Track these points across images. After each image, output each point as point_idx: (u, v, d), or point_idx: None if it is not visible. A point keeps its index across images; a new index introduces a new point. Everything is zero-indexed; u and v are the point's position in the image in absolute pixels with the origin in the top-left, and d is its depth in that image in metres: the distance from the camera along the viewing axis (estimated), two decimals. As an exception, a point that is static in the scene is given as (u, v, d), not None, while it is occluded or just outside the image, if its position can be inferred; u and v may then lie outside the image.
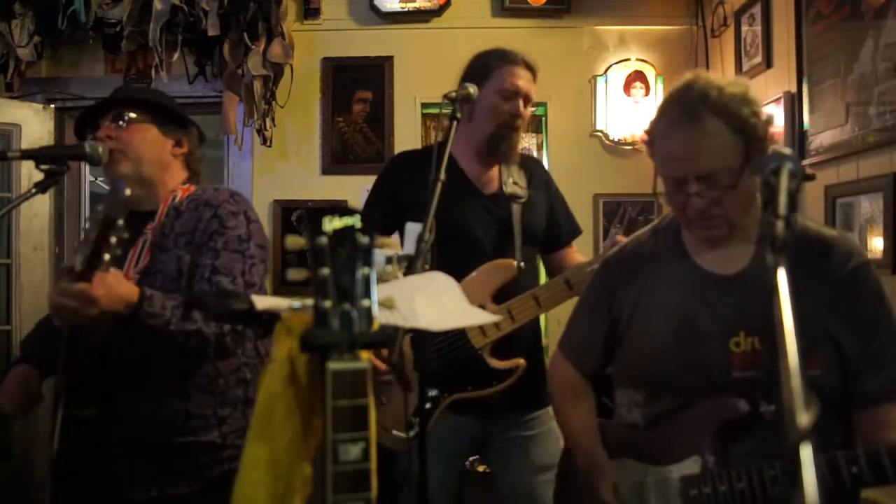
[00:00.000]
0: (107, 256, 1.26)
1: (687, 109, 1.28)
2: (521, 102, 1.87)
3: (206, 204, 1.62)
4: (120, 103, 1.65)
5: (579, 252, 2.05)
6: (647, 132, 1.38)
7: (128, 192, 1.29)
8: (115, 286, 1.34)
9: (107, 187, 8.11)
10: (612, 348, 1.52)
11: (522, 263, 1.84)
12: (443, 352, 1.78)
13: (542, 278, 2.15)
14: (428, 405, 1.78)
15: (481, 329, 1.78)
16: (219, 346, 1.54)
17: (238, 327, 1.56)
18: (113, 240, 1.24)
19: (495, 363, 1.80)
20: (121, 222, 1.24)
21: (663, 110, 1.34)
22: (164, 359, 1.53)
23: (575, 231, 2.07)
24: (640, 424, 1.43)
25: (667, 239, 1.48)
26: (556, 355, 1.65)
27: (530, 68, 1.92)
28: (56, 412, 1.48)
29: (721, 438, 1.28)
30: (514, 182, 1.94)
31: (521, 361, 1.80)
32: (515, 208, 1.92)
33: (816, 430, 1.14)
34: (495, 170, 1.97)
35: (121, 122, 1.62)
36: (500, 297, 1.82)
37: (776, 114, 2.78)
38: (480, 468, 2.93)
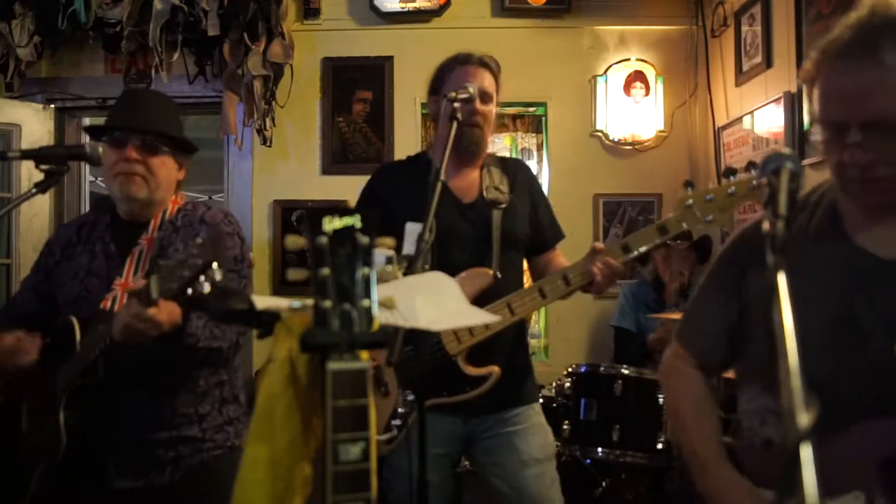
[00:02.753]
0: (190, 291, 1.35)
1: (863, 37, 1.03)
2: (477, 101, 1.88)
3: (202, 222, 1.74)
4: (151, 131, 1.71)
5: (563, 257, 2.04)
6: (812, 62, 1.11)
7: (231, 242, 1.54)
8: (173, 311, 1.48)
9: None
10: (739, 341, 1.27)
11: (499, 273, 1.83)
12: (414, 358, 1.77)
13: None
14: (402, 409, 1.79)
15: (455, 335, 1.78)
16: (227, 357, 1.70)
17: (242, 341, 1.69)
18: (202, 279, 1.33)
19: (470, 370, 1.80)
20: (215, 266, 1.32)
21: (832, 39, 1.08)
22: (161, 364, 1.62)
23: (559, 236, 2.06)
24: (777, 443, 1.17)
25: (819, 214, 1.20)
26: (673, 350, 1.39)
27: (486, 65, 1.93)
28: (58, 408, 1.59)
29: (893, 471, 1.04)
30: (495, 188, 1.94)
31: (496, 369, 1.79)
32: (496, 214, 1.91)
33: None
34: (475, 175, 1.97)
35: (151, 151, 1.69)
36: (478, 305, 1.81)
37: (776, 114, 2.79)
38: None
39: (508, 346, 1.91)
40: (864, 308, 1.09)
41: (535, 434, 1.91)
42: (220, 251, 1.32)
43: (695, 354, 1.34)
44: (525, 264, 2.07)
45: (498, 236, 1.89)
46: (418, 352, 1.59)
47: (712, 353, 1.32)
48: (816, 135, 1.17)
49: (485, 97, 1.90)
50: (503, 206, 1.93)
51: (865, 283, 1.11)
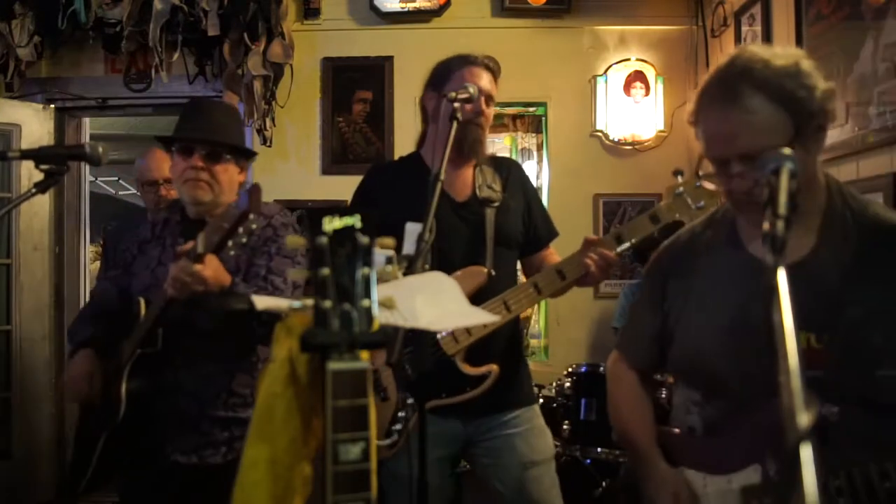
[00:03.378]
0: (230, 244, 1.49)
1: (726, 85, 1.19)
2: (482, 101, 1.88)
3: (260, 214, 1.82)
4: (215, 142, 1.84)
5: (557, 255, 2.04)
6: (691, 111, 1.29)
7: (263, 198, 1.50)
8: (219, 269, 1.60)
9: (107, 188, 8.07)
10: (667, 344, 1.44)
11: (493, 271, 1.83)
12: (413, 359, 1.77)
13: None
14: (402, 414, 1.78)
15: (453, 335, 1.78)
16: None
17: None
18: (241, 230, 1.46)
19: (468, 369, 1.80)
20: (252, 217, 1.44)
21: (704, 87, 1.25)
22: (219, 341, 1.75)
23: (552, 234, 2.06)
24: (697, 429, 1.36)
25: (722, 228, 1.38)
26: (613, 355, 1.58)
27: (490, 69, 1.94)
28: (121, 379, 1.71)
29: (783, 446, 1.19)
30: (488, 186, 1.95)
31: (494, 367, 1.79)
32: (489, 213, 1.91)
33: (858, 440, 1.07)
34: (469, 174, 1.97)
35: (215, 160, 1.80)
36: (473, 303, 1.81)
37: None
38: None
39: (505, 344, 1.91)
40: (756, 308, 1.22)
41: (535, 436, 1.91)
42: (257, 204, 1.42)
43: (630, 360, 1.52)
44: (519, 265, 2.07)
45: (492, 234, 1.90)
46: (417, 353, 1.58)
47: (645, 358, 1.50)
48: (707, 168, 1.33)
49: (488, 99, 1.91)
50: (496, 204, 1.93)
51: (759, 285, 1.20)
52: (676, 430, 1.42)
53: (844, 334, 1.19)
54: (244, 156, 1.92)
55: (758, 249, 1.27)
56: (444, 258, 1.80)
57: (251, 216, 1.44)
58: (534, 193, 2.07)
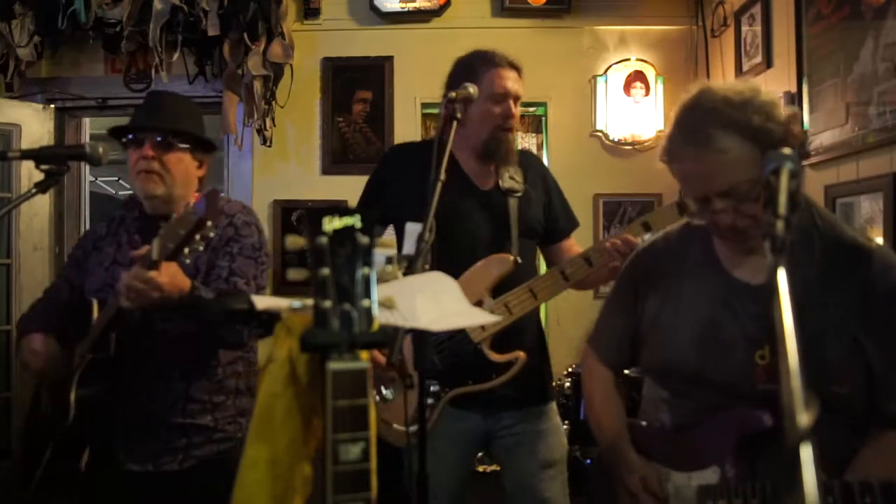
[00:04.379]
0: (186, 251, 1.43)
1: (694, 128, 1.25)
2: (511, 104, 1.88)
3: (222, 212, 1.75)
4: (168, 130, 1.76)
5: (578, 246, 2.06)
6: (663, 152, 1.34)
7: (224, 201, 1.47)
8: (176, 275, 1.53)
9: (107, 188, 8.05)
10: (638, 344, 1.50)
11: (519, 258, 1.84)
12: (442, 346, 1.78)
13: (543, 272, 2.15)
14: (430, 400, 1.78)
15: None
16: (242, 338, 1.72)
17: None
18: (198, 237, 1.40)
19: (494, 356, 1.80)
20: (210, 224, 1.38)
21: (673, 133, 1.31)
22: (175, 345, 1.68)
23: (573, 224, 2.08)
24: (667, 425, 1.42)
25: (697, 244, 1.43)
26: (585, 351, 1.64)
27: (515, 68, 1.93)
28: (71, 385, 1.64)
29: (742, 451, 1.26)
30: (510, 177, 1.96)
31: (521, 354, 1.80)
32: (512, 203, 1.93)
33: (831, 448, 1.12)
34: (492, 164, 1.98)
35: (166, 148, 1.73)
36: (499, 290, 1.83)
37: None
38: (480, 468, 2.93)
39: (530, 334, 1.93)
40: (728, 324, 1.32)
41: (553, 435, 1.93)
42: (214, 210, 1.37)
43: (602, 357, 1.59)
44: (540, 255, 2.09)
45: (515, 223, 1.91)
46: (420, 349, 1.58)
47: (616, 356, 1.57)
48: (691, 206, 1.36)
49: (517, 100, 1.92)
50: (519, 194, 1.95)
51: (732, 303, 1.33)
52: (644, 423, 1.49)
53: (802, 349, 1.20)
54: (203, 149, 1.82)
55: (735, 268, 1.36)
56: (468, 245, 1.82)
57: (209, 223, 1.39)
58: (554, 185, 2.09)
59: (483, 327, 1.79)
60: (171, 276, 1.50)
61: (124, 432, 1.70)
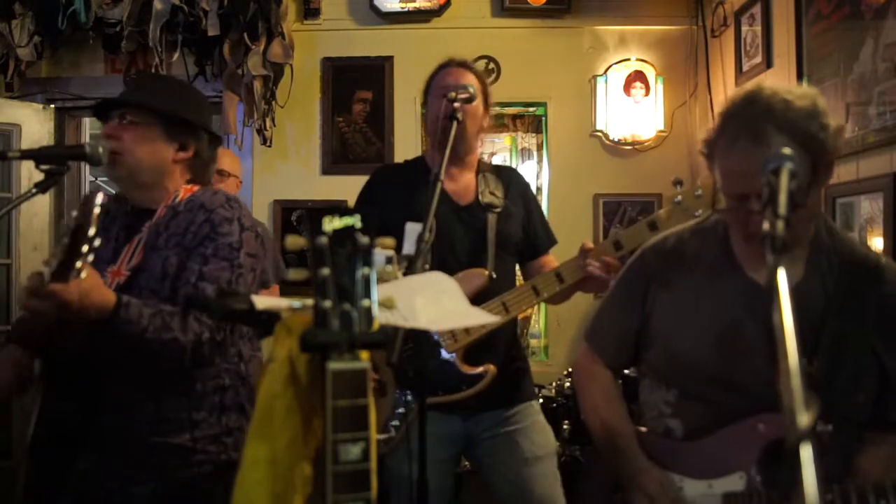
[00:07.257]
0: (79, 264, 1.23)
1: (750, 125, 1.21)
2: (454, 94, 1.89)
3: (201, 207, 1.58)
4: (124, 104, 1.61)
5: (556, 262, 2.07)
6: (706, 145, 1.30)
7: (99, 199, 1.28)
8: (89, 292, 1.30)
9: (108, 188, 8.09)
10: (642, 344, 1.47)
11: (494, 273, 1.86)
12: (412, 357, 1.78)
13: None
14: (400, 410, 1.80)
15: (452, 333, 1.81)
16: (194, 355, 1.49)
17: (218, 336, 1.52)
18: (84, 248, 1.22)
19: (466, 368, 1.82)
20: (92, 232, 1.22)
21: (725, 124, 1.26)
22: (138, 361, 1.50)
23: (551, 241, 2.10)
24: (676, 432, 1.39)
25: (714, 244, 1.41)
26: (583, 350, 1.58)
27: (467, 66, 2.01)
28: (35, 402, 1.51)
29: (770, 457, 1.24)
30: (490, 192, 1.99)
31: (491, 367, 1.82)
32: (491, 218, 1.95)
33: (842, 454, 1.12)
34: (471, 180, 2.00)
35: (123, 123, 1.58)
36: (473, 304, 1.83)
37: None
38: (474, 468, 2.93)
39: (503, 344, 1.93)
40: (750, 327, 1.29)
41: (535, 431, 1.93)
42: (87, 216, 1.22)
43: (602, 356, 1.54)
44: (518, 271, 2.10)
45: (493, 239, 1.93)
46: (418, 350, 1.59)
47: (617, 355, 1.53)
48: (721, 203, 1.33)
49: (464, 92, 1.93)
50: (498, 210, 1.97)
51: (754, 307, 1.30)
52: (644, 429, 1.46)
53: (827, 358, 1.23)
54: (189, 131, 1.62)
55: (756, 272, 1.33)
56: (445, 260, 1.82)
57: (90, 231, 1.22)
58: (534, 201, 2.10)
59: (455, 339, 1.81)
60: (81, 294, 1.27)
61: (93, 452, 1.53)
